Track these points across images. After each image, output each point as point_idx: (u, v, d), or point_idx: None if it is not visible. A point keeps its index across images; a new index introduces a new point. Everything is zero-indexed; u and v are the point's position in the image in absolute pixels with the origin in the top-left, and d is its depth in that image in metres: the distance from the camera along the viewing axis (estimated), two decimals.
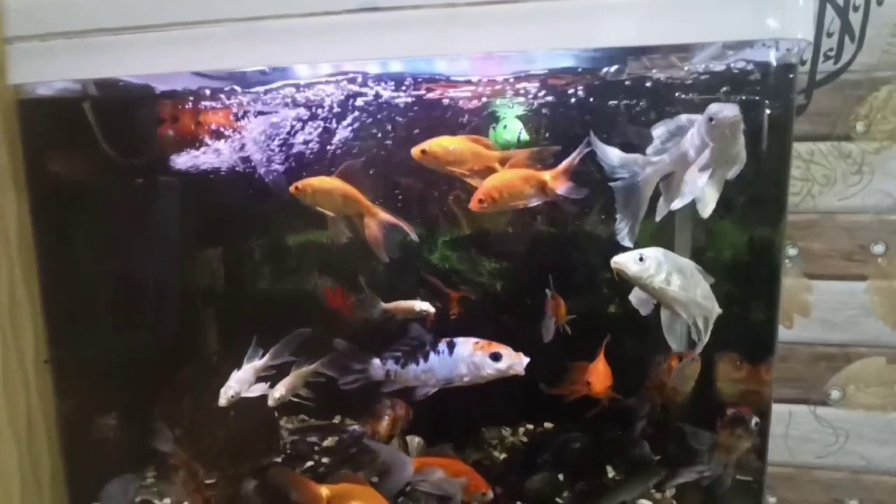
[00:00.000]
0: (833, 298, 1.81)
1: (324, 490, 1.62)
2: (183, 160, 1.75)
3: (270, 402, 1.78)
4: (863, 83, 1.72)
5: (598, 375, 1.69)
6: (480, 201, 1.57)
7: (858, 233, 1.77)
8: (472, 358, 1.50)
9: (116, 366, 2.00)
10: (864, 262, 1.78)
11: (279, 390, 1.79)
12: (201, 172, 1.73)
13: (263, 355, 1.81)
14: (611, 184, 1.42)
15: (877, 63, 1.70)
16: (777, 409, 1.90)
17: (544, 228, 1.91)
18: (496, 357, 1.47)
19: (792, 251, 1.82)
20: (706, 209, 1.43)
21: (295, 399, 1.78)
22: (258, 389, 1.79)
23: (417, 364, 1.54)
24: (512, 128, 1.78)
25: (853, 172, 1.76)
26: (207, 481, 1.93)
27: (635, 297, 1.38)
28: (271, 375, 1.80)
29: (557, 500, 1.90)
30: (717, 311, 1.39)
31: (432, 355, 1.52)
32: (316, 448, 2.19)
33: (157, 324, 2.17)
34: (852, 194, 1.76)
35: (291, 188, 1.59)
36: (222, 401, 1.74)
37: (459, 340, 1.53)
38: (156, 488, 2.07)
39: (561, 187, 1.53)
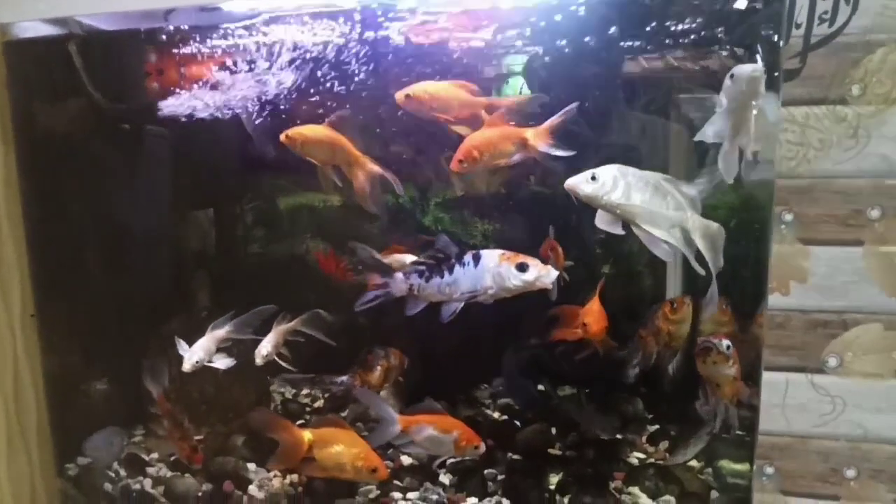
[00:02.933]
0: (829, 264, 1.94)
1: (306, 434, 1.78)
2: (169, 106, 1.89)
3: (258, 361, 1.95)
4: (858, 46, 1.86)
5: (594, 316, 1.81)
6: (460, 161, 1.72)
7: (854, 197, 1.90)
8: (497, 269, 1.58)
9: (103, 320, 2.18)
10: (860, 227, 1.91)
11: (265, 348, 1.96)
12: (188, 119, 1.88)
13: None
14: None
15: (871, 25, 1.85)
16: (774, 378, 2.04)
17: (537, 188, 2.08)
18: (522, 268, 1.56)
19: (787, 216, 1.97)
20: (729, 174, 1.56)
21: (279, 359, 1.95)
22: (222, 363, 1.93)
23: (442, 277, 1.64)
24: (513, 83, 1.93)
25: (849, 136, 1.90)
26: (196, 437, 2.10)
27: (601, 219, 1.52)
28: (226, 347, 1.95)
29: (549, 451, 2.05)
30: (698, 220, 1.50)
31: (457, 267, 1.62)
32: (308, 409, 2.36)
33: (146, 277, 2.34)
34: (848, 158, 1.90)
35: (282, 136, 1.74)
36: (186, 366, 1.90)
37: (485, 252, 1.62)
38: (144, 445, 2.25)
39: (543, 145, 1.67)
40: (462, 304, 1.61)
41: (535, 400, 2.11)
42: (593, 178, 1.49)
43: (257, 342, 1.94)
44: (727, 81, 1.53)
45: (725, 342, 1.68)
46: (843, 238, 1.95)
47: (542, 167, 1.79)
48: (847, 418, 1.98)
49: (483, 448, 1.85)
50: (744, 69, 1.50)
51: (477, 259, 1.63)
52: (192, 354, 1.92)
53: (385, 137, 2.00)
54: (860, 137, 1.92)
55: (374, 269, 1.70)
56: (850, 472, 1.97)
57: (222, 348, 1.96)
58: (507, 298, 1.65)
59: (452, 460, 2.02)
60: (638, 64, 1.88)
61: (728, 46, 1.81)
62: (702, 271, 1.53)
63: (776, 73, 1.73)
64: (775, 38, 1.71)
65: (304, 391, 2.49)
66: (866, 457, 1.96)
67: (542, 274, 1.58)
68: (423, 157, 2.08)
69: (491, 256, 1.62)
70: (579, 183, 1.50)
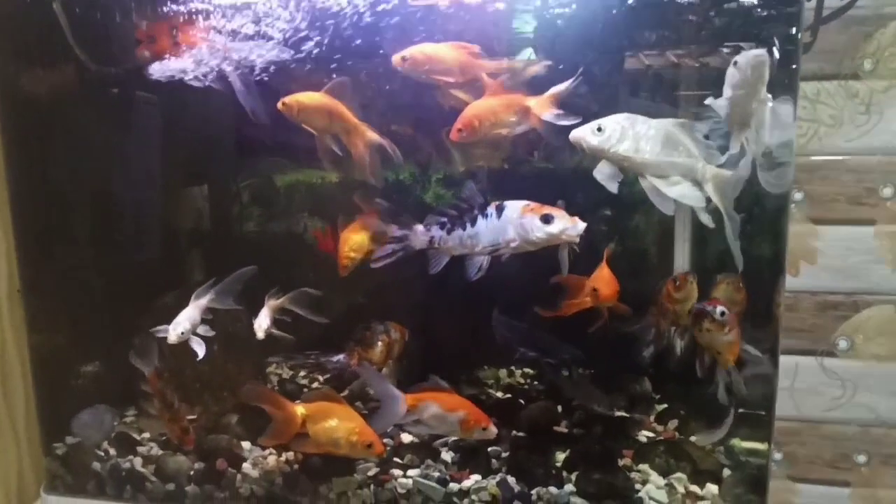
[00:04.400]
0: (840, 244, 1.97)
1: (299, 409, 1.77)
2: (160, 71, 1.86)
3: (260, 335, 1.95)
4: (870, 19, 1.89)
5: (605, 281, 1.80)
6: (459, 130, 1.71)
7: (866, 175, 1.93)
8: (520, 220, 1.54)
9: (93, 295, 2.18)
10: (872, 206, 1.94)
11: (264, 321, 1.96)
12: (180, 85, 1.86)
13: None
14: None
15: None
16: (783, 361, 2.06)
17: (541, 164, 2.10)
18: (547, 219, 1.52)
19: (797, 195, 1.99)
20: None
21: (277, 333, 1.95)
22: (198, 346, 1.90)
23: (464, 229, 1.61)
24: (524, 52, 1.92)
25: (861, 112, 1.92)
26: (189, 416, 2.11)
27: (599, 172, 1.51)
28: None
29: (555, 428, 2.06)
30: (710, 170, 1.47)
31: (480, 219, 1.59)
32: (306, 390, 2.36)
33: (138, 252, 2.33)
34: (860, 135, 1.93)
35: (279, 104, 1.75)
36: (172, 337, 1.88)
37: (509, 203, 1.59)
38: (136, 425, 2.26)
39: (547, 114, 1.66)
40: (488, 260, 1.59)
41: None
42: (599, 129, 1.49)
43: (240, 313, 1.95)
44: (730, 70, 1.53)
45: (720, 308, 1.66)
46: (854, 217, 1.98)
47: (546, 142, 1.80)
48: (858, 402, 2.00)
49: (493, 430, 1.82)
50: (747, 54, 1.51)
51: (500, 210, 1.60)
52: (177, 325, 1.91)
53: (385, 112, 2.01)
54: (872, 114, 1.94)
55: (393, 219, 1.69)
56: (861, 458, 1.99)
57: (206, 320, 1.96)
58: (516, 272, 1.66)
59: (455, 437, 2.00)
60: (638, 61, 1.92)
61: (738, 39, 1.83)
62: (711, 224, 1.53)
63: (794, 66, 1.73)
64: (792, 30, 1.73)
65: (302, 373, 2.49)
66: (878, 441, 1.98)
67: (569, 226, 1.52)
68: (423, 132, 2.09)
69: (514, 208, 1.58)
70: (585, 135, 1.51)
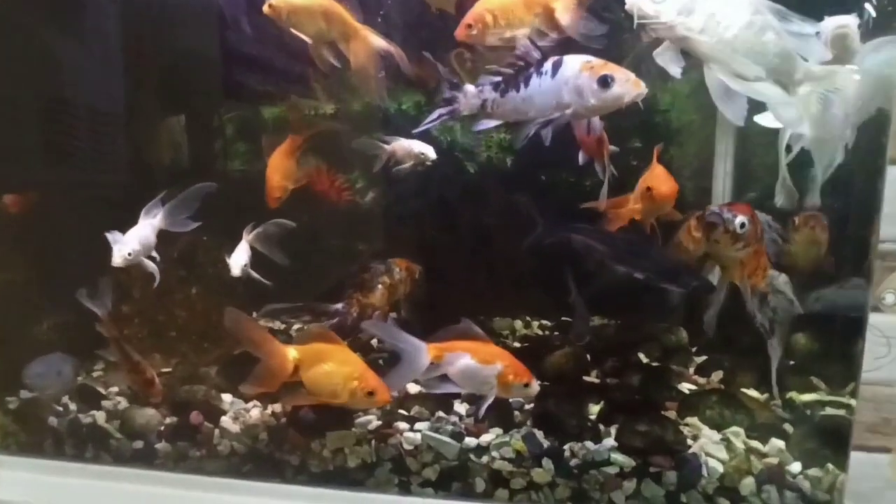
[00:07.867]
0: (889, 187, 1.86)
1: (291, 351, 1.60)
2: None
3: (236, 272, 1.82)
4: None
5: (660, 178, 1.66)
6: (469, 27, 1.59)
7: None
8: (577, 81, 1.43)
9: (51, 234, 2.00)
10: None
11: (242, 257, 1.82)
12: None
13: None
14: None
15: None
16: None
17: None
18: (605, 82, 1.40)
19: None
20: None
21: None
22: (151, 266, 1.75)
23: (518, 91, 1.50)
24: None
25: None
26: (164, 369, 1.96)
27: (660, 55, 1.33)
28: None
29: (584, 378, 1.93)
30: (814, 72, 1.27)
31: (534, 78, 1.48)
32: None
33: (99, 180, 2.12)
34: None
35: (265, 7, 1.59)
36: (117, 260, 1.74)
37: (568, 58, 1.47)
38: (103, 379, 2.11)
39: (571, 19, 1.51)
40: (539, 127, 1.45)
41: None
42: None
43: (222, 256, 1.80)
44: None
45: (740, 218, 1.49)
46: None
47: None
48: None
49: (535, 386, 1.65)
50: (827, 24, 1.33)
51: (556, 67, 1.47)
52: (124, 245, 1.74)
53: (387, 30, 1.85)
54: None
55: (443, 82, 1.59)
56: None
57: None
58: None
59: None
60: None
61: None
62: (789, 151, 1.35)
63: None
64: None
65: (297, 325, 2.32)
66: None
67: (629, 90, 1.41)
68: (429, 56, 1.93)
69: (572, 65, 1.46)
70: (640, 0, 1.32)
